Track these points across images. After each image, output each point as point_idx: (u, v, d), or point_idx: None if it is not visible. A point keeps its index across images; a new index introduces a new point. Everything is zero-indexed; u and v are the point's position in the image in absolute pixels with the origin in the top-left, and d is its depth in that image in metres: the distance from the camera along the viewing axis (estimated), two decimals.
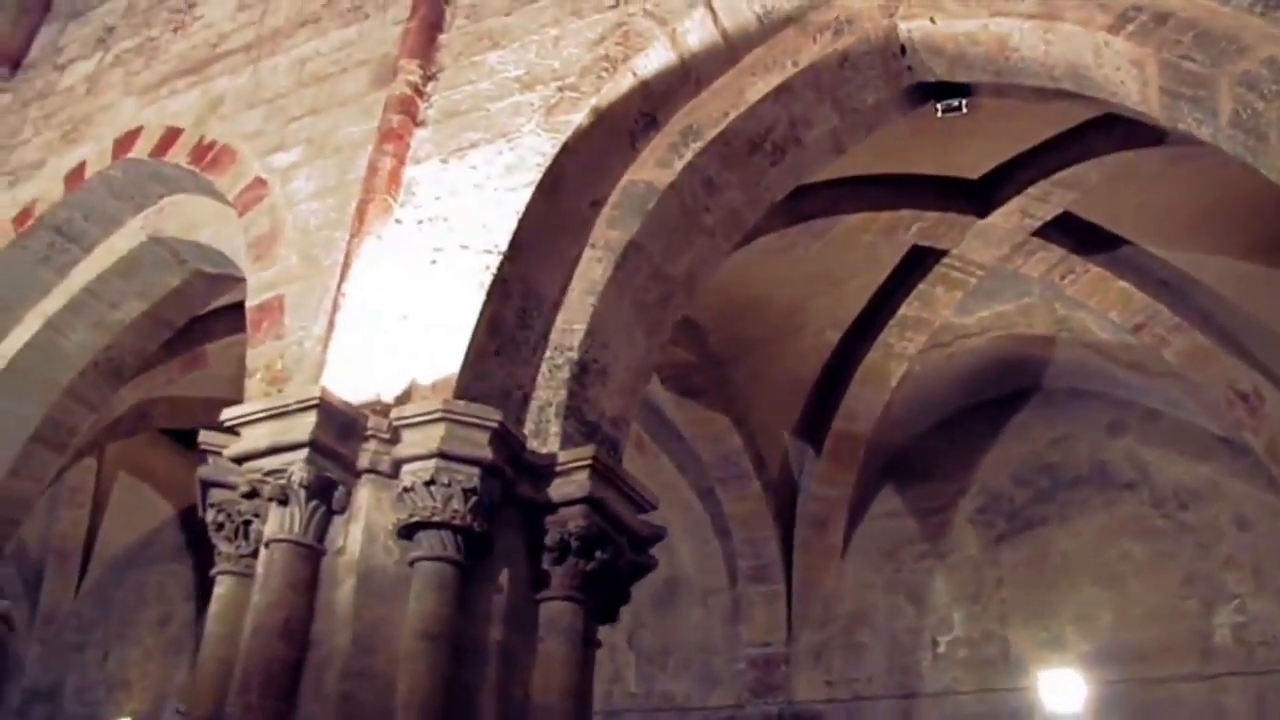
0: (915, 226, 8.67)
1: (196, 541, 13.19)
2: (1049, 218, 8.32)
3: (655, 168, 5.54)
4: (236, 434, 4.88)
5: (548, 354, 5.25)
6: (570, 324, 5.30)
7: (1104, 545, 9.47)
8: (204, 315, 8.59)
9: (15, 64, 8.87)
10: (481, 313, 5.02)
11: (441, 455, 4.55)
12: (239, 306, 8.91)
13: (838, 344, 9.78)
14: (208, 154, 6.82)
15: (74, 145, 7.72)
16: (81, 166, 7.44)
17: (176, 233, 7.21)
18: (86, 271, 7.54)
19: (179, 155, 6.98)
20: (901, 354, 9.63)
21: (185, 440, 12.34)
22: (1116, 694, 8.86)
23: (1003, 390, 10.31)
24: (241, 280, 7.10)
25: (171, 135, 7.12)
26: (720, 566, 10.51)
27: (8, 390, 7.56)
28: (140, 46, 8.08)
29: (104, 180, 7.33)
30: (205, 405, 10.71)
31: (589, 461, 4.85)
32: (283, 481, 4.62)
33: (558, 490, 4.86)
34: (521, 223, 5.21)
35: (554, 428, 5.08)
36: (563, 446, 5.01)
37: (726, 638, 10.43)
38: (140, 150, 7.21)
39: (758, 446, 10.09)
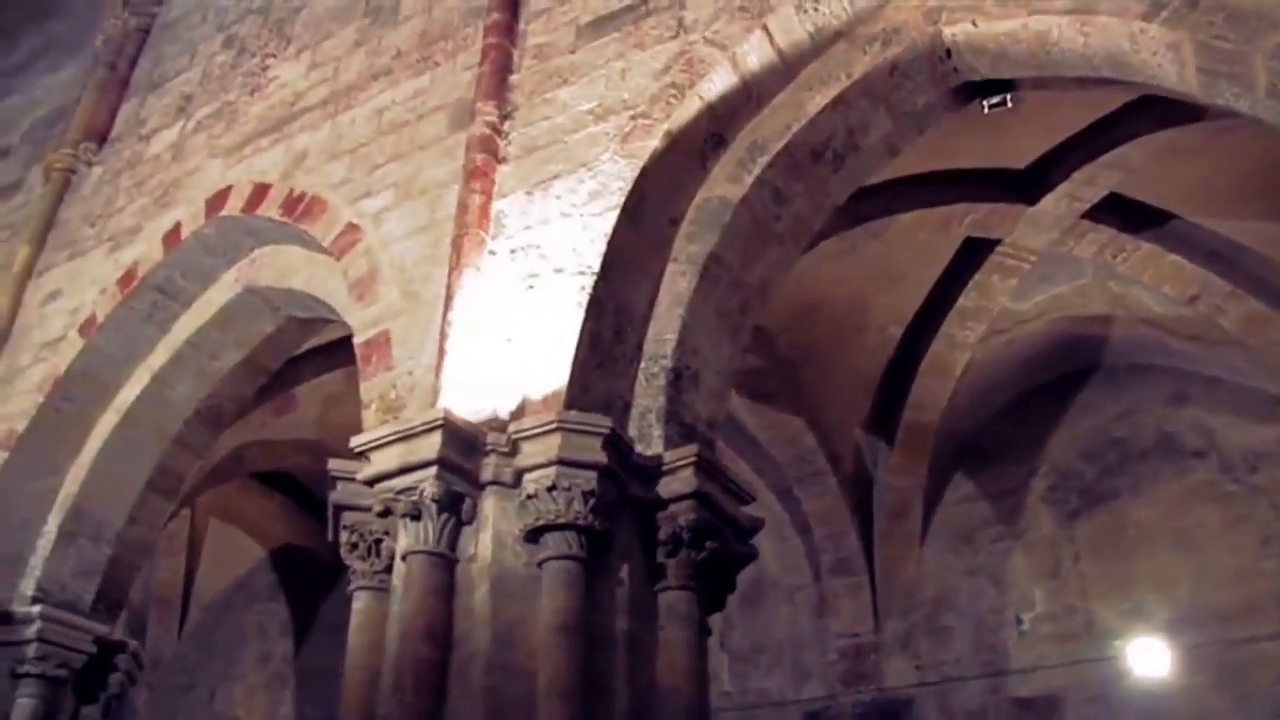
0: (968, 219, 8.85)
1: (289, 580, 13.66)
2: (1097, 199, 8.48)
3: (727, 183, 5.81)
4: (367, 459, 5.21)
5: (643, 364, 5.52)
6: (661, 334, 5.57)
7: (1178, 513, 9.53)
8: (293, 359, 8.86)
9: (102, 138, 9.32)
10: (582, 330, 5.30)
11: (560, 462, 4.83)
12: (324, 349, 9.41)
13: (901, 338, 9.97)
14: (299, 205, 7.11)
15: (166, 208, 8.05)
16: (177, 227, 7.77)
17: (270, 282, 7.49)
18: (187, 325, 7.84)
19: (270, 209, 7.28)
20: (963, 343, 9.79)
21: (274, 483, 12.84)
22: (1202, 657, 8.92)
23: (1064, 371, 10.40)
24: (331, 322, 7.46)
25: (261, 191, 7.43)
26: (803, 563, 10.67)
27: (124, 441, 7.89)
28: (219, 111, 8.45)
29: (199, 238, 7.63)
30: (295, 446, 11.19)
31: (693, 459, 5.11)
32: (414, 498, 4.93)
33: (666, 488, 5.12)
34: (610, 244, 5.50)
35: (656, 431, 5.34)
36: (666, 448, 5.27)
37: (815, 631, 10.58)
38: (232, 207, 7.51)
39: (831, 444, 10.25)
